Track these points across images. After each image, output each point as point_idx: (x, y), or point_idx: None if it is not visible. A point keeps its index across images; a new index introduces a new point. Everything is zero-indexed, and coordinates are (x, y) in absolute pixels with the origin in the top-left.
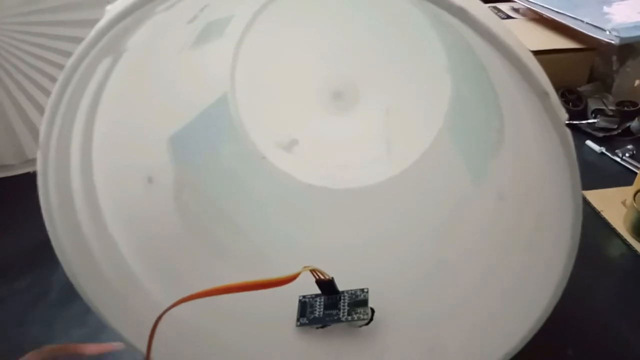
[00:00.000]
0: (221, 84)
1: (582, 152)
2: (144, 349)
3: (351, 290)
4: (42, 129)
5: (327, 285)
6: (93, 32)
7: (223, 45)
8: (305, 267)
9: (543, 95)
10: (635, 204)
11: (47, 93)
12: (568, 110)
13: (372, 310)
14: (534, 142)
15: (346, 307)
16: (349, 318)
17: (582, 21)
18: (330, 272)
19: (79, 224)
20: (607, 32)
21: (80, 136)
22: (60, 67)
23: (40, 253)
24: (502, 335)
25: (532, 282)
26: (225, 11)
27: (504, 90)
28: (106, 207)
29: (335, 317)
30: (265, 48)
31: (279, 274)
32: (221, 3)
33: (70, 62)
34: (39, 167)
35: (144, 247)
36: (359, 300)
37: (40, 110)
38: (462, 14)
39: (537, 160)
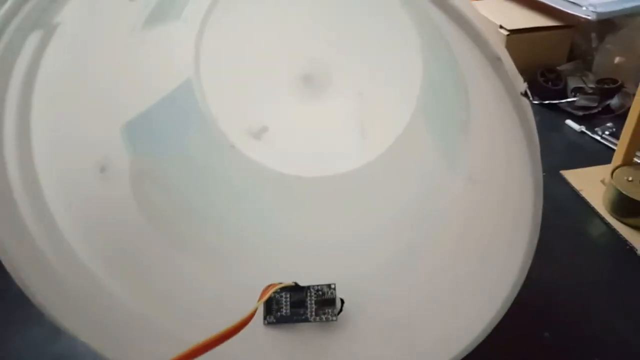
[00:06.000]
0: (183, 69)
1: (562, 132)
2: (102, 350)
3: (317, 285)
4: None
5: (292, 287)
6: (10, 1)
7: (182, 27)
8: (259, 300)
9: (495, 60)
10: (613, 182)
11: None
12: (548, 90)
13: (342, 301)
14: (496, 116)
15: (313, 306)
16: (317, 319)
17: None
18: (301, 261)
19: (21, 219)
20: (584, 8)
21: (13, 120)
22: None
23: None
24: (469, 319)
25: (497, 265)
26: None
27: (466, 65)
28: (54, 199)
29: (303, 317)
30: (231, 30)
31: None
32: None
33: None
34: None
35: (101, 243)
36: (326, 299)
37: None
38: None
39: (500, 136)
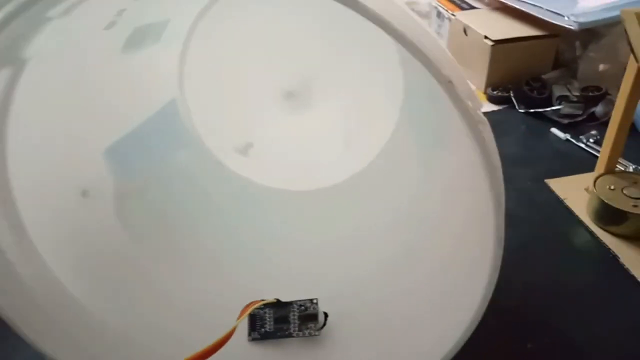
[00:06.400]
0: (168, 90)
1: (547, 140)
2: None
3: (300, 301)
4: None
5: (275, 303)
6: None
7: (163, 50)
8: (240, 317)
9: (446, 83)
10: (595, 190)
11: None
12: (533, 99)
13: (326, 315)
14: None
15: (297, 321)
16: (300, 334)
17: (542, 8)
18: (288, 273)
19: None
20: (566, 18)
21: None
22: None
23: None
24: (445, 328)
25: (478, 274)
26: (155, 16)
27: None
28: (32, 224)
29: (287, 332)
30: (213, 48)
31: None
32: (144, 7)
33: None
34: None
35: (82, 263)
36: (309, 314)
37: None
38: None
39: (466, 150)
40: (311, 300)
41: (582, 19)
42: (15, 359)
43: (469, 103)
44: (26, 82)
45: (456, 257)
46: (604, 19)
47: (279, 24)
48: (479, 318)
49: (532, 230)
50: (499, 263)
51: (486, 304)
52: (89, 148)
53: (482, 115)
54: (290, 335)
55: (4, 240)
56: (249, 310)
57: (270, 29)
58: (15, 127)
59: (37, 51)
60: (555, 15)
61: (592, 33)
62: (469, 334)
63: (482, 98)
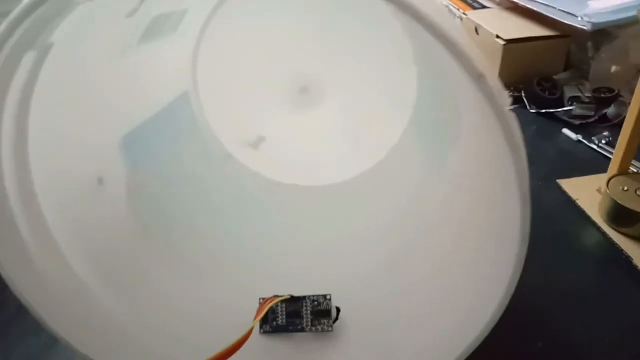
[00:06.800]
0: (181, 82)
1: (558, 141)
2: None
3: (313, 296)
4: None
5: (289, 299)
6: (5, 23)
7: (179, 40)
8: (256, 318)
9: (478, 77)
10: (608, 191)
11: None
12: (545, 99)
13: (338, 310)
14: (483, 127)
15: (309, 316)
16: (313, 329)
17: (555, 8)
18: (288, 273)
19: (16, 227)
20: (579, 19)
21: (10, 133)
22: None
23: None
24: (457, 330)
25: (486, 274)
26: (174, 5)
27: (456, 75)
28: (49, 210)
29: (299, 327)
30: (227, 43)
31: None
32: None
33: None
34: None
35: (93, 252)
36: (322, 310)
37: None
38: None
39: (488, 143)
40: (325, 296)
41: (595, 20)
42: (14, 356)
43: (500, 99)
44: (47, 69)
45: (456, 257)
46: (618, 20)
47: (291, 17)
48: (495, 322)
49: (543, 231)
50: (522, 264)
51: (503, 308)
52: (105, 136)
53: (511, 112)
54: (302, 330)
55: (21, 223)
56: (265, 309)
57: (282, 23)
58: (35, 115)
59: (61, 37)
60: (568, 16)
61: (604, 34)
62: (484, 335)
63: None
